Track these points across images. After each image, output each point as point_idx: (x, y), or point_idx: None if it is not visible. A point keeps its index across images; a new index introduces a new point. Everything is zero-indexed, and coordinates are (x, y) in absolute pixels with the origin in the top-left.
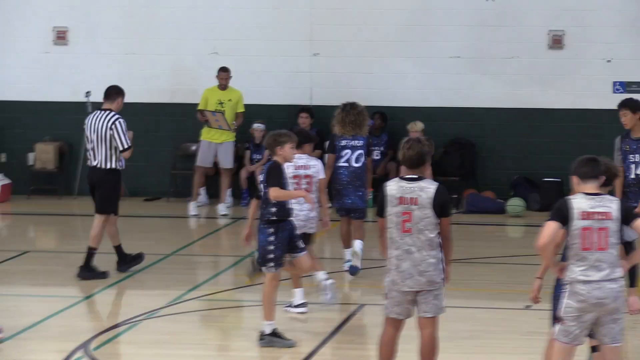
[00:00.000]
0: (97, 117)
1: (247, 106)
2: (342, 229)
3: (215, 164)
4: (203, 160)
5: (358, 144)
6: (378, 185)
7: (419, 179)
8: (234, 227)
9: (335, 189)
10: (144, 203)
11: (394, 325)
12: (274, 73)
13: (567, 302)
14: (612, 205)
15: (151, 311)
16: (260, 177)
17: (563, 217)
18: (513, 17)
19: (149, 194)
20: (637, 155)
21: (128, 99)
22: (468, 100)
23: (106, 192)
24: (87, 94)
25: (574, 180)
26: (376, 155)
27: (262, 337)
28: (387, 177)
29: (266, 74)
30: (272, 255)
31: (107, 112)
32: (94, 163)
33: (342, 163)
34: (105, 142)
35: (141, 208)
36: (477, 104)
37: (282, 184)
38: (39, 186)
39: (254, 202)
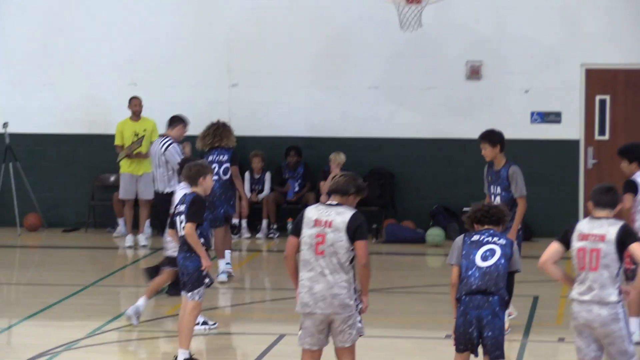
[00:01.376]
0: (156, 143)
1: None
2: (217, 239)
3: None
4: (126, 193)
5: (224, 159)
6: (296, 215)
7: (338, 205)
8: (153, 258)
9: (209, 201)
10: (63, 234)
11: (311, 356)
12: (193, 104)
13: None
14: (610, 228)
15: (70, 342)
16: (180, 207)
17: (566, 238)
18: (431, 47)
19: (67, 224)
20: (495, 186)
21: (45, 129)
22: (387, 131)
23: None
24: (4, 124)
25: (589, 205)
26: (294, 187)
27: None
28: (306, 206)
29: (185, 104)
30: (205, 282)
31: (164, 138)
32: (155, 187)
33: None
34: (161, 166)
35: (60, 239)
36: (396, 135)
37: (202, 220)
38: None
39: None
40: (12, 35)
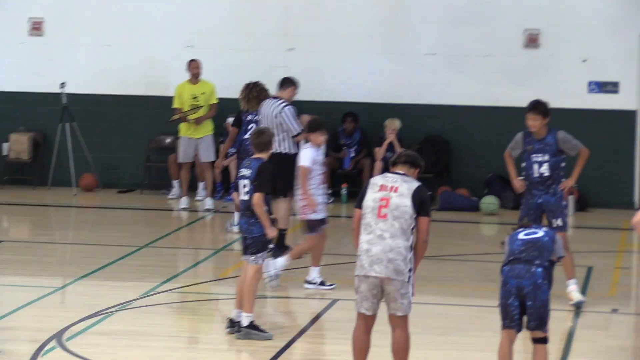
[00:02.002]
0: (268, 105)
1: (222, 100)
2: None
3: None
4: (185, 156)
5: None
6: (352, 181)
7: (405, 175)
8: (211, 220)
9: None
10: (118, 195)
11: (365, 320)
12: (249, 67)
13: None
14: None
15: (124, 302)
16: (246, 172)
17: None
18: (488, 15)
19: (123, 185)
20: (539, 154)
21: (102, 90)
22: (443, 98)
23: (282, 175)
24: (62, 85)
25: None
26: (350, 153)
27: (240, 329)
28: (361, 173)
29: (241, 67)
30: (268, 247)
31: (277, 100)
32: None
33: (248, 135)
34: (274, 128)
35: (115, 200)
36: (452, 102)
37: (269, 189)
38: (13, 176)
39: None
40: None
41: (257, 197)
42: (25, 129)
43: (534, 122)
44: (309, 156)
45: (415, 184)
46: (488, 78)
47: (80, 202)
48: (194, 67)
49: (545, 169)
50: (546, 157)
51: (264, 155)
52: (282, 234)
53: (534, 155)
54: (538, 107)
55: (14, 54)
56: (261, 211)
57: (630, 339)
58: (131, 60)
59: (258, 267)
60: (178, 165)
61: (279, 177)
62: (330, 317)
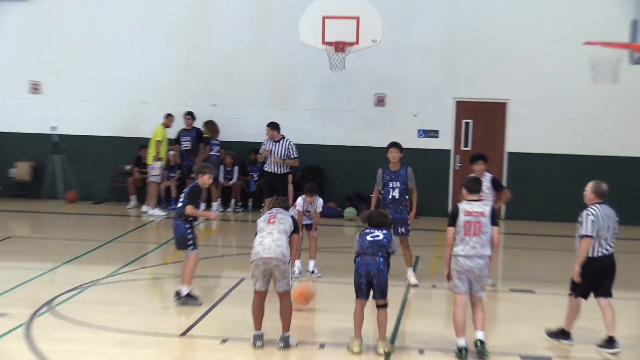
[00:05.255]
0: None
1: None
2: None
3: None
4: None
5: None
6: (255, 197)
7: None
8: (156, 223)
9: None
10: (92, 205)
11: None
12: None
13: None
14: (486, 207)
15: (96, 280)
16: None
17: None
18: (351, 82)
19: (96, 199)
20: (394, 182)
21: (82, 132)
22: (319, 140)
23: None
24: (53, 128)
25: (463, 191)
26: (255, 178)
27: (180, 297)
28: (262, 192)
29: (179, 117)
30: (192, 241)
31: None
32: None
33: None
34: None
35: (90, 209)
36: (325, 143)
37: (195, 203)
38: (18, 192)
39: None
40: (61, 64)
41: (188, 209)
42: (27, 159)
43: (394, 154)
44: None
45: (490, 206)
46: (350, 126)
47: (66, 210)
48: (170, 120)
49: (396, 193)
50: (397, 184)
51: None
52: None
53: (390, 182)
54: (397, 143)
55: (18, 106)
56: (197, 213)
57: (444, 306)
58: (103, 111)
59: (197, 253)
60: (134, 183)
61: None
62: (237, 292)
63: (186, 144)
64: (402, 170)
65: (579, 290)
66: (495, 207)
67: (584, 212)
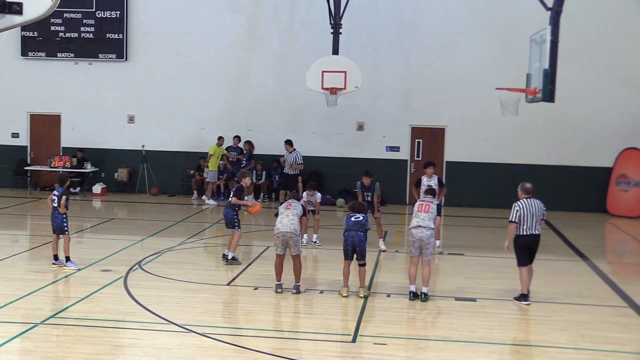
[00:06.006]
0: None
1: (148, 151)
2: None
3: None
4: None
5: None
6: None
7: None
8: (210, 210)
9: None
10: (169, 198)
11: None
12: (170, 136)
13: None
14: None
15: (169, 247)
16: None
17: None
18: (340, 114)
19: (170, 192)
20: (369, 193)
21: (164, 148)
22: (319, 152)
23: None
24: (143, 146)
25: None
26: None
27: (227, 260)
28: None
29: (165, 135)
30: (237, 222)
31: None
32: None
33: None
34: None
35: (165, 199)
36: (323, 155)
37: (240, 196)
38: (119, 189)
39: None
40: (149, 102)
41: (233, 199)
42: (125, 166)
43: (368, 179)
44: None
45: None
46: (340, 144)
47: (150, 201)
48: (221, 140)
49: (369, 198)
50: (370, 194)
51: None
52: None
53: (364, 193)
54: (370, 173)
55: (121, 131)
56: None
57: (405, 264)
58: (176, 134)
59: (240, 232)
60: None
61: None
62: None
63: (232, 157)
64: (372, 185)
65: (520, 262)
66: (438, 199)
67: (513, 204)
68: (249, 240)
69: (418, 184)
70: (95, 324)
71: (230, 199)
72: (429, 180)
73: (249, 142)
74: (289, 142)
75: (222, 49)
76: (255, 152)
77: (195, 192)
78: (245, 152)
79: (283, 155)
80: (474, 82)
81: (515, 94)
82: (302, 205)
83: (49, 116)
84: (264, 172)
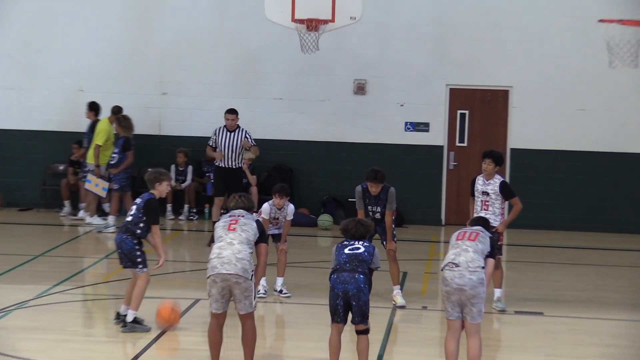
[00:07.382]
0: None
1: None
2: None
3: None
4: None
5: None
6: (212, 202)
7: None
8: (92, 234)
9: None
10: (19, 212)
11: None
12: (130, 108)
13: None
14: None
15: (20, 302)
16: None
17: None
18: (325, 67)
19: (23, 205)
20: (375, 206)
21: (7, 126)
22: (288, 134)
23: None
24: None
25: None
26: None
27: (125, 323)
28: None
29: (124, 108)
30: (141, 258)
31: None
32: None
33: None
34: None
35: (16, 217)
36: (295, 138)
37: (158, 220)
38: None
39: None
40: None
41: (154, 229)
42: None
43: (375, 188)
44: None
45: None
46: (324, 119)
47: None
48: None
49: (377, 215)
50: (378, 209)
51: (152, 191)
52: None
53: (369, 206)
54: (379, 176)
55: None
56: (158, 242)
57: (437, 331)
58: (32, 101)
59: (147, 273)
60: (67, 187)
61: None
62: (192, 313)
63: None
64: (382, 194)
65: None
66: (499, 230)
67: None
68: (162, 286)
69: (474, 189)
70: None
71: (128, 219)
72: (485, 184)
73: (121, 118)
74: (232, 112)
75: None
76: (175, 132)
77: (67, 202)
78: (119, 137)
79: (213, 136)
80: (559, 10)
81: (633, 29)
82: (258, 221)
83: None
84: (189, 168)
